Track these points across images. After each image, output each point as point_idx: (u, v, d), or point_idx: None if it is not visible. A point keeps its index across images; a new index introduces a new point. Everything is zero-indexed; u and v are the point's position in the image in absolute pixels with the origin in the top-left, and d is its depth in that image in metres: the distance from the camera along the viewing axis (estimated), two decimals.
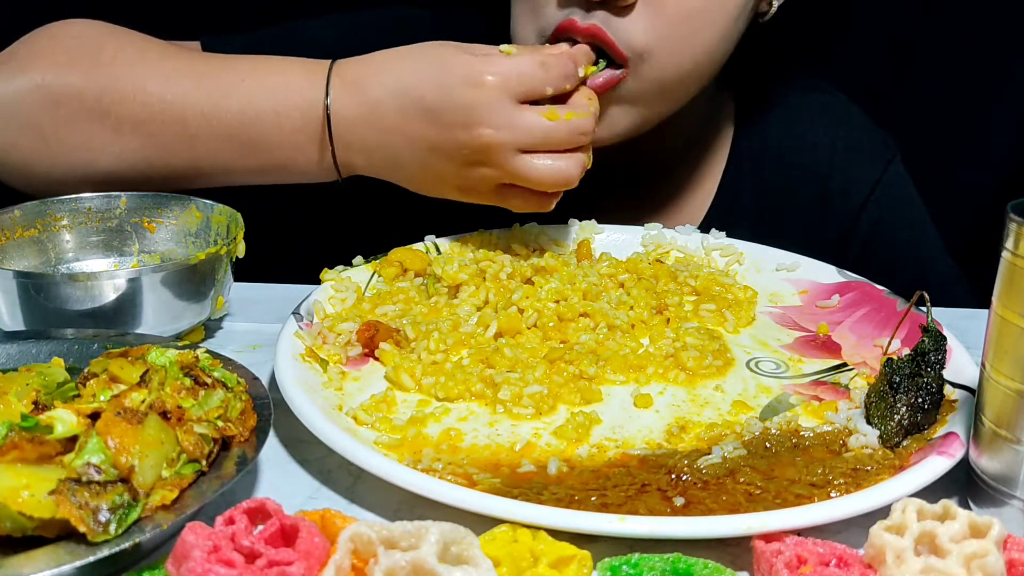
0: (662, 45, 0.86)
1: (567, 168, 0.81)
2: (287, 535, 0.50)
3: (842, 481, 0.60)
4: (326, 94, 0.81)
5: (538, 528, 0.53)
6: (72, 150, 0.84)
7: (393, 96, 0.81)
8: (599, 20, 0.85)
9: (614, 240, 0.93)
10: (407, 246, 0.87)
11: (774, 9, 0.96)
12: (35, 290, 0.70)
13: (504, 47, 0.82)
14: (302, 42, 0.94)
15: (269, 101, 0.83)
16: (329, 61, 0.84)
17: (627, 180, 1.05)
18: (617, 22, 0.85)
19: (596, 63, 0.85)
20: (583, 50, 0.84)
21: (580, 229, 0.93)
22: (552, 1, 0.86)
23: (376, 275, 0.85)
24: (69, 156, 0.84)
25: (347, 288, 0.81)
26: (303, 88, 0.82)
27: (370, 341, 0.75)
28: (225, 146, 0.84)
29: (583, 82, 0.83)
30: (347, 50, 0.85)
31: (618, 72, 0.86)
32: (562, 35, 0.86)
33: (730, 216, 1.05)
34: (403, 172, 0.84)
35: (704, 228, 0.96)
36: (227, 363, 0.64)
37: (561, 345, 0.76)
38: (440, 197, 0.86)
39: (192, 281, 0.74)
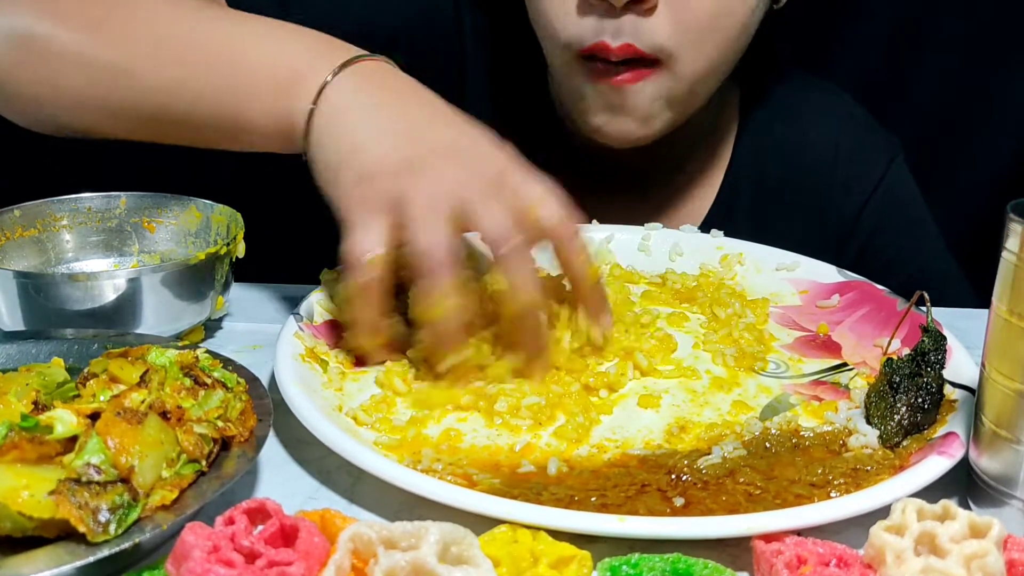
0: (688, 41, 0.88)
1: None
2: (287, 535, 0.50)
3: (842, 481, 0.60)
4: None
5: (538, 528, 0.53)
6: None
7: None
8: (628, 34, 0.86)
9: (616, 240, 0.92)
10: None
11: None
12: (35, 290, 0.70)
13: None
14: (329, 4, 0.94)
15: (270, 54, 0.77)
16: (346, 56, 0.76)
17: (632, 178, 1.05)
18: (644, 25, 0.86)
19: None
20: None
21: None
22: (571, 11, 0.87)
23: None
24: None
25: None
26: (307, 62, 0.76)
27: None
28: (206, 67, 0.77)
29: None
30: (373, 15, 0.84)
31: (645, 70, 0.88)
32: (596, 54, 0.88)
33: (731, 214, 1.05)
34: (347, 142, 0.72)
35: (706, 226, 0.96)
36: (227, 363, 0.64)
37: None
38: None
39: (192, 281, 0.74)
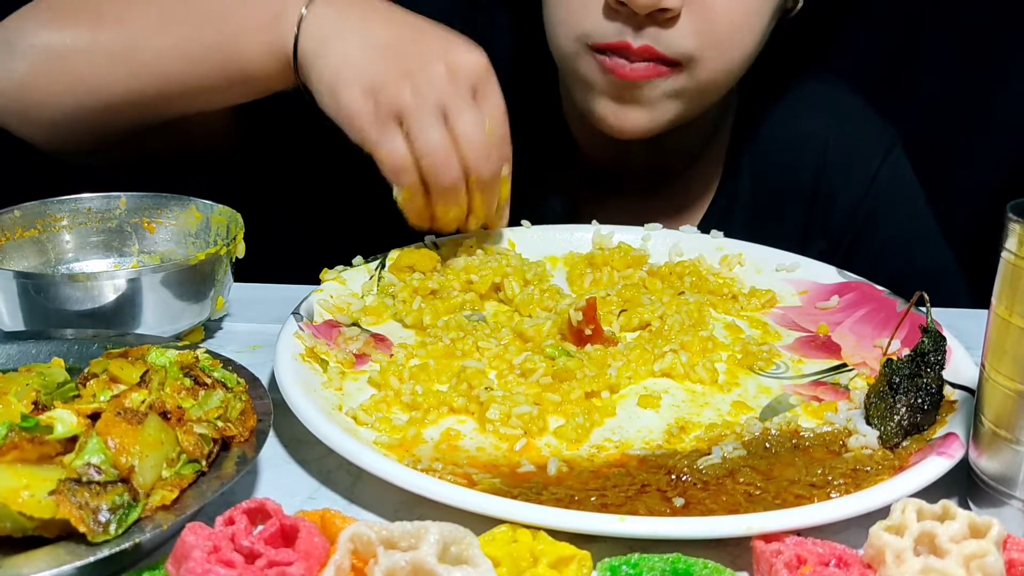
0: (709, 50, 0.88)
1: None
2: (287, 535, 0.50)
3: (842, 481, 0.60)
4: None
5: (538, 528, 0.53)
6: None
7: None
8: (649, 38, 0.87)
9: (616, 240, 0.92)
10: (412, 246, 0.87)
11: (800, 5, 0.98)
12: (35, 290, 0.70)
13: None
14: None
15: None
16: None
17: (633, 179, 1.05)
18: (665, 34, 0.87)
19: None
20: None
21: (581, 230, 0.93)
22: (596, 13, 0.88)
23: (379, 277, 0.84)
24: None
25: (346, 289, 0.81)
26: None
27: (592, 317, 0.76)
28: (192, 21, 0.84)
29: None
30: None
31: (663, 68, 0.88)
32: (614, 51, 0.88)
33: (729, 212, 1.05)
34: (334, 48, 0.79)
35: (705, 224, 0.96)
36: (227, 363, 0.64)
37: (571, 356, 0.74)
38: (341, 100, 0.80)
39: (192, 281, 0.74)
